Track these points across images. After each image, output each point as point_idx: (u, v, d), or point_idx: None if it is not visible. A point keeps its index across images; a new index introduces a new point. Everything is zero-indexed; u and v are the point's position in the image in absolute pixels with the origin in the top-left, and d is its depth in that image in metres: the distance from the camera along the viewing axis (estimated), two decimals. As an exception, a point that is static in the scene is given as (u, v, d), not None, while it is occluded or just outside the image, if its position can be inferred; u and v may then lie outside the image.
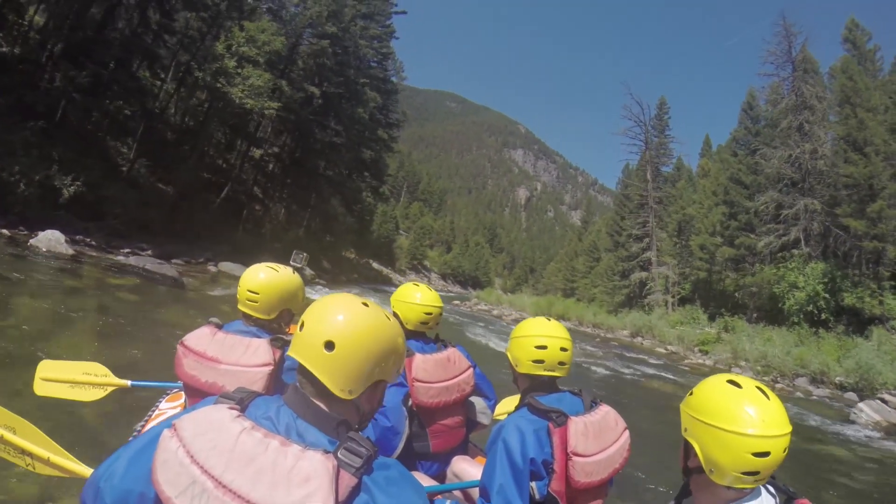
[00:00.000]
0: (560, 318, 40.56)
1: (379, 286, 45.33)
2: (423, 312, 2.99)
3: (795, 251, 29.05)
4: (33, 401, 3.75)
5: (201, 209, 26.39)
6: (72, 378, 3.57)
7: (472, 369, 3.09)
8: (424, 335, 3.10)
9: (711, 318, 31.92)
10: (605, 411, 2.27)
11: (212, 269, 19.24)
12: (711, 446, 1.49)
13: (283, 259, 19.05)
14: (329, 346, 1.21)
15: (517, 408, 2.26)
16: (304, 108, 32.69)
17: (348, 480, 1.08)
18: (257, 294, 2.59)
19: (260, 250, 26.14)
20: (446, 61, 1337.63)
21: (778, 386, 19.14)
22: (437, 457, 2.99)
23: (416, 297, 3.01)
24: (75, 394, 3.56)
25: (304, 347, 1.24)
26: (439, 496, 2.66)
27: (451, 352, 3.05)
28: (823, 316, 25.47)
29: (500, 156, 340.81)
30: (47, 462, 2.51)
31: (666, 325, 32.82)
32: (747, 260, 33.73)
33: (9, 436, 2.53)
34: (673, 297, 38.15)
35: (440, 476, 3.00)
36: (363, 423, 1.33)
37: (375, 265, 63.91)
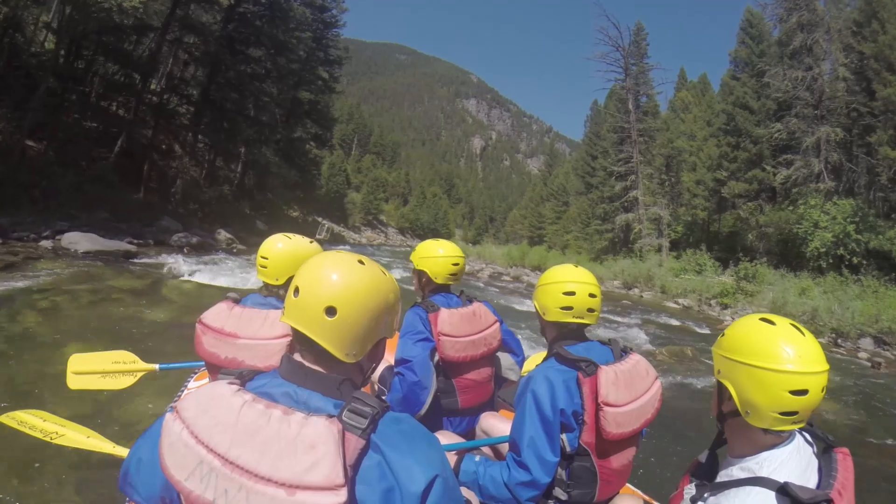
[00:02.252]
0: (536, 269, 35.67)
1: (331, 246, 40.03)
2: (451, 264, 2.99)
3: (813, 186, 24.53)
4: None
5: (86, 169, 20.46)
6: (102, 368, 3.76)
7: (498, 324, 3.07)
8: (449, 290, 3.08)
9: (719, 265, 27.24)
10: (635, 360, 2.19)
11: (45, 244, 13.56)
12: (747, 386, 1.44)
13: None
14: (330, 311, 1.15)
15: (545, 358, 2.21)
16: (211, 29, 26.64)
17: (355, 442, 1.06)
18: (267, 259, 2.56)
19: (157, 213, 21.04)
20: (393, 12, 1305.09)
21: (839, 350, 14.33)
22: (466, 413, 2.97)
23: (440, 251, 3.01)
24: (107, 383, 3.74)
25: (302, 314, 1.18)
26: (468, 452, 2.37)
27: (477, 306, 3.02)
28: (855, 260, 21.43)
29: (454, 106, 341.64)
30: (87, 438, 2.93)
31: (667, 273, 28.08)
32: (759, 196, 28.92)
33: (55, 436, 2.97)
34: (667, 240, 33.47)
35: (469, 433, 3.01)
36: (367, 378, 1.31)
37: (326, 223, 57.99)
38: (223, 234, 22.65)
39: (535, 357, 3.89)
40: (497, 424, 2.89)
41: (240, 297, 2.61)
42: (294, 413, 1.06)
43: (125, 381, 3.75)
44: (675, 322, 17.76)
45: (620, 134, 38.90)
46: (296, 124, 40.28)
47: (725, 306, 21.75)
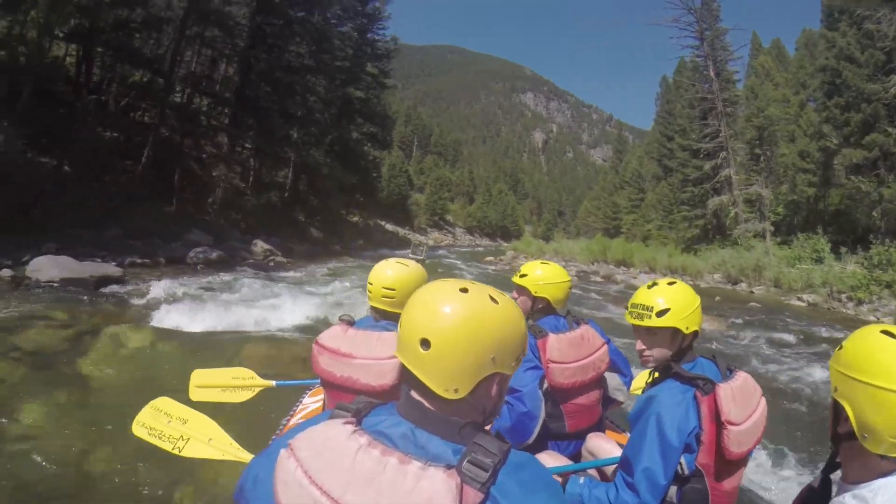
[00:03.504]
0: (621, 264, 32.18)
1: (393, 250, 37.62)
2: (568, 288, 3.02)
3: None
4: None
5: (110, 183, 18.51)
6: (222, 383, 3.97)
7: (606, 346, 3.02)
8: (555, 312, 3.04)
9: (835, 251, 23.30)
10: (743, 377, 2.10)
11: (3, 274, 11.11)
12: (866, 407, 1.31)
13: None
14: (425, 343, 1.10)
15: (660, 378, 2.16)
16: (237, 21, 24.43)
17: (473, 496, 0.99)
18: (394, 290, 2.61)
19: (187, 226, 18.90)
20: (440, 14, 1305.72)
21: None
22: (573, 436, 2.94)
23: (562, 276, 3.01)
24: (226, 396, 3.91)
25: (404, 347, 1.15)
26: (573, 474, 2.30)
27: (584, 329, 2.97)
28: None
29: (511, 101, 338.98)
30: (207, 443, 2.84)
31: (779, 263, 24.35)
32: (879, 165, 24.66)
33: (176, 424, 2.97)
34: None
35: (576, 455, 2.96)
36: (488, 418, 1.21)
37: (389, 226, 55.80)
38: (260, 246, 20.37)
39: (643, 375, 3.38)
40: (604, 445, 2.83)
41: (353, 320, 2.68)
42: (411, 462, 1.02)
43: (243, 395, 3.91)
44: (802, 325, 14.41)
45: (703, 106, 35.06)
46: (348, 124, 37.89)
47: (860, 301, 18.07)
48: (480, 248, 63.23)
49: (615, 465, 2.20)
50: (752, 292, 23.52)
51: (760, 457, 5.15)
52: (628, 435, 2.12)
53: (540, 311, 3.00)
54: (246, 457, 2.70)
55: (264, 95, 26.26)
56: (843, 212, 26.73)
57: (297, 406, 3.74)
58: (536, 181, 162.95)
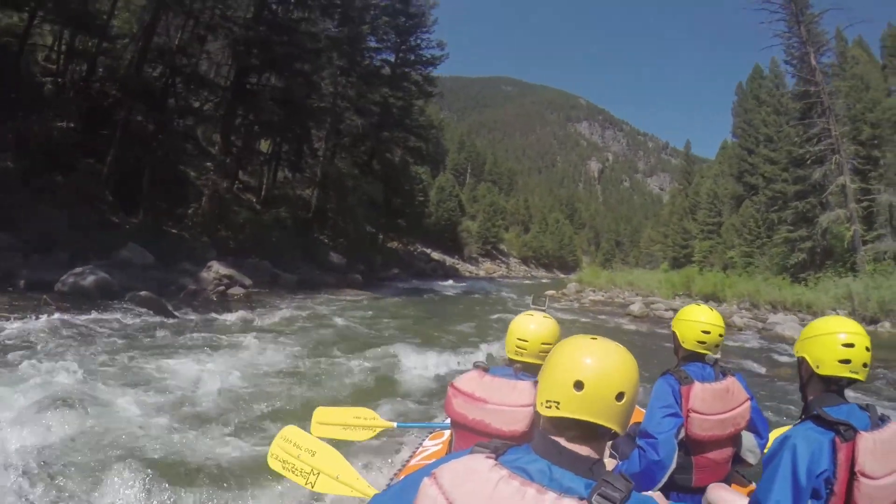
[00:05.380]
0: (709, 300, 25.98)
1: (433, 281, 32.58)
2: (701, 331, 2.84)
3: None
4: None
5: (63, 185, 14.21)
6: (344, 422, 4.29)
7: (749, 402, 2.90)
8: (702, 359, 2.93)
9: None
10: (894, 429, 2.02)
11: None
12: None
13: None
14: (620, 396, 1.23)
15: (803, 419, 2.14)
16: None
17: None
18: (526, 342, 2.67)
19: (120, 243, 14.55)
20: (495, 46, 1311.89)
21: None
22: (697, 491, 2.81)
23: (695, 315, 2.92)
24: (347, 434, 4.23)
25: (592, 405, 1.23)
26: None
27: (731, 381, 2.85)
28: None
29: (566, 131, 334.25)
30: (336, 479, 3.06)
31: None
32: None
33: (306, 456, 3.20)
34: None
35: None
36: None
37: (436, 255, 50.84)
38: (215, 272, 14.60)
39: (779, 433, 2.81)
40: (725, 496, 2.63)
41: (488, 367, 2.75)
42: (547, 493, 1.11)
43: (364, 435, 4.24)
44: None
45: (804, 103, 29.21)
46: (385, 134, 33.40)
47: None
48: (537, 280, 57.88)
49: None
50: (904, 333, 17.96)
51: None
52: (755, 485, 2.30)
53: (685, 356, 2.91)
54: (372, 493, 2.70)
55: (272, 87, 21.68)
56: None
57: (418, 448, 3.83)
58: (593, 211, 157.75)
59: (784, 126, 37.35)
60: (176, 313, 10.89)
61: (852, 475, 1.85)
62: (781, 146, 36.46)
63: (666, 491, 2.68)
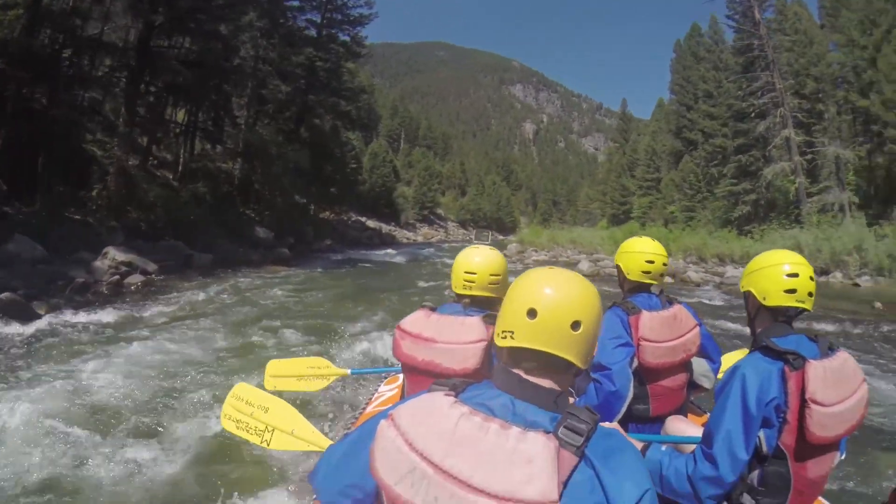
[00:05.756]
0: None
1: (371, 251, 30.82)
2: (644, 261, 2.85)
3: None
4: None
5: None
6: (297, 373, 4.08)
7: (698, 328, 2.92)
8: (648, 289, 2.92)
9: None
10: (843, 358, 2.00)
11: None
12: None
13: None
14: (576, 325, 1.19)
15: (751, 350, 2.10)
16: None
17: (569, 459, 1.07)
18: (474, 274, 2.59)
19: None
20: (428, 12, 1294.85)
21: None
22: (655, 420, 2.83)
23: (638, 246, 2.92)
24: (302, 386, 4.05)
25: (545, 333, 1.19)
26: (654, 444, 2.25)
27: (678, 309, 2.87)
28: None
29: (500, 94, 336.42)
30: (291, 434, 2.89)
31: (887, 247, 18.37)
32: None
33: (259, 414, 3.01)
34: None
35: None
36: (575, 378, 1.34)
37: (371, 223, 48.89)
38: (111, 258, 12.51)
39: (731, 356, 3.60)
40: (684, 428, 2.68)
41: (435, 306, 2.66)
42: (511, 427, 1.08)
43: (318, 384, 4.01)
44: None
45: (747, 57, 28.43)
46: (315, 101, 31.02)
47: None
48: (478, 242, 56.83)
49: (695, 445, 2.05)
50: (856, 285, 17.67)
51: (856, 449, 4.18)
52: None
53: (631, 288, 2.91)
54: (327, 444, 2.55)
55: (182, 48, 19.27)
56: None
57: (374, 395, 3.81)
58: (529, 172, 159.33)
59: (723, 82, 37.17)
60: (46, 315, 8.74)
61: (803, 403, 1.83)
62: (721, 101, 36.22)
63: (624, 423, 2.65)
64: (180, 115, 24.43)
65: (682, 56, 49.50)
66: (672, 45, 52.32)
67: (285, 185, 25.21)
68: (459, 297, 2.64)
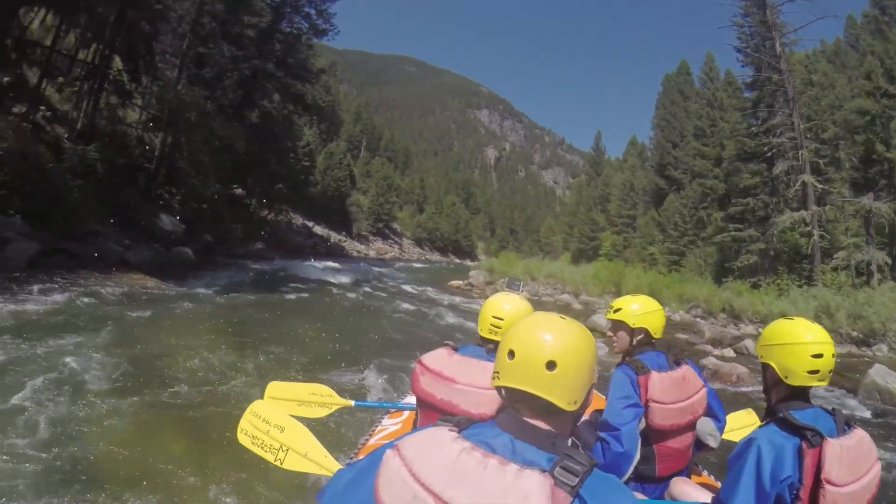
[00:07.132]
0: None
1: (311, 262, 26.26)
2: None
3: None
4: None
5: None
6: (298, 397, 3.95)
7: (704, 389, 2.86)
8: (653, 347, 2.83)
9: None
10: (860, 436, 1.95)
11: None
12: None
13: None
14: (551, 365, 1.21)
15: (766, 422, 2.03)
16: None
17: (564, 498, 1.09)
18: (502, 321, 2.52)
19: None
20: (401, 25, 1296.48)
21: None
22: (661, 480, 2.76)
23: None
24: (301, 411, 3.85)
25: (522, 373, 1.24)
26: None
27: (686, 369, 2.79)
28: None
29: (465, 116, 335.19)
30: (304, 456, 2.83)
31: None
32: None
33: (275, 433, 2.95)
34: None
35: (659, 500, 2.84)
36: (574, 427, 1.36)
37: (319, 229, 44.17)
38: None
39: (736, 417, 3.53)
40: (688, 491, 2.66)
41: (457, 346, 2.64)
42: (509, 465, 1.11)
43: (319, 412, 3.93)
44: None
45: (764, 89, 25.17)
46: (263, 69, 26.15)
47: None
48: (434, 264, 52.78)
49: None
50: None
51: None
52: (713, 478, 2.32)
53: (639, 346, 2.81)
54: (336, 469, 2.28)
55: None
56: None
57: (376, 427, 3.82)
58: (488, 197, 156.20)
59: (718, 120, 34.50)
60: None
61: (818, 482, 1.79)
62: (715, 140, 33.36)
63: (628, 481, 2.54)
64: (90, 54, 19.18)
65: (669, 92, 47.01)
66: (641, 85, 51.55)
67: (206, 164, 20.21)
68: (484, 341, 2.59)
